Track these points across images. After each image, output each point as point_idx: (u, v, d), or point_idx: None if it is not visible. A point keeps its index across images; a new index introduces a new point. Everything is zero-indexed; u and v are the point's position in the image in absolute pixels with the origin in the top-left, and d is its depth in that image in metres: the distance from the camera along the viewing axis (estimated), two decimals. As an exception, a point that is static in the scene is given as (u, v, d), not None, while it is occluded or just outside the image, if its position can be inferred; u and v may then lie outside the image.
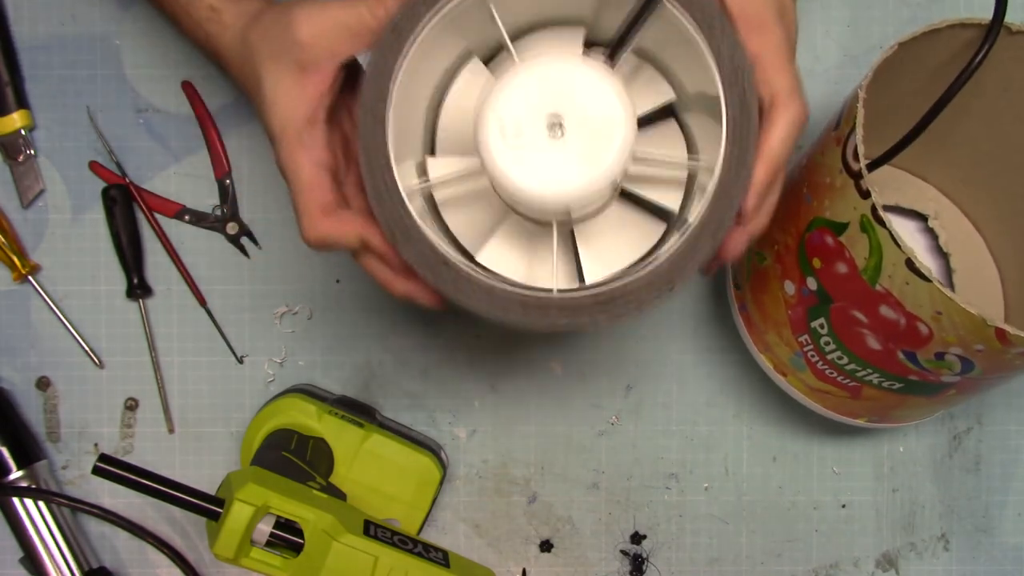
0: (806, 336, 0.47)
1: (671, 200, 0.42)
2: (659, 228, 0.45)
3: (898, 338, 0.42)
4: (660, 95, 0.43)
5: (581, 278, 0.43)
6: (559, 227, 0.41)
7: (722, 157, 0.38)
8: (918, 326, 0.40)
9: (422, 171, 0.43)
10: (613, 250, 0.43)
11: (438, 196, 0.43)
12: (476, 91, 0.43)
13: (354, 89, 0.42)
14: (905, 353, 0.43)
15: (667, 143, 0.43)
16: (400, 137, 0.40)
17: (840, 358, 0.46)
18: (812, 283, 0.45)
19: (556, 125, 0.37)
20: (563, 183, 0.37)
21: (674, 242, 0.38)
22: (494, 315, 0.38)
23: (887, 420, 0.51)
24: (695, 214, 0.38)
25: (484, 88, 0.38)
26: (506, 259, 0.43)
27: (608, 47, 0.40)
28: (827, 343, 0.46)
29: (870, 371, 0.46)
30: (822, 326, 0.46)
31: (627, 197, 0.42)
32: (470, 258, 0.42)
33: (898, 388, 0.46)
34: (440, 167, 0.42)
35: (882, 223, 0.39)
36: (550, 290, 0.38)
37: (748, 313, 0.53)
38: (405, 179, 0.39)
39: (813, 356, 0.48)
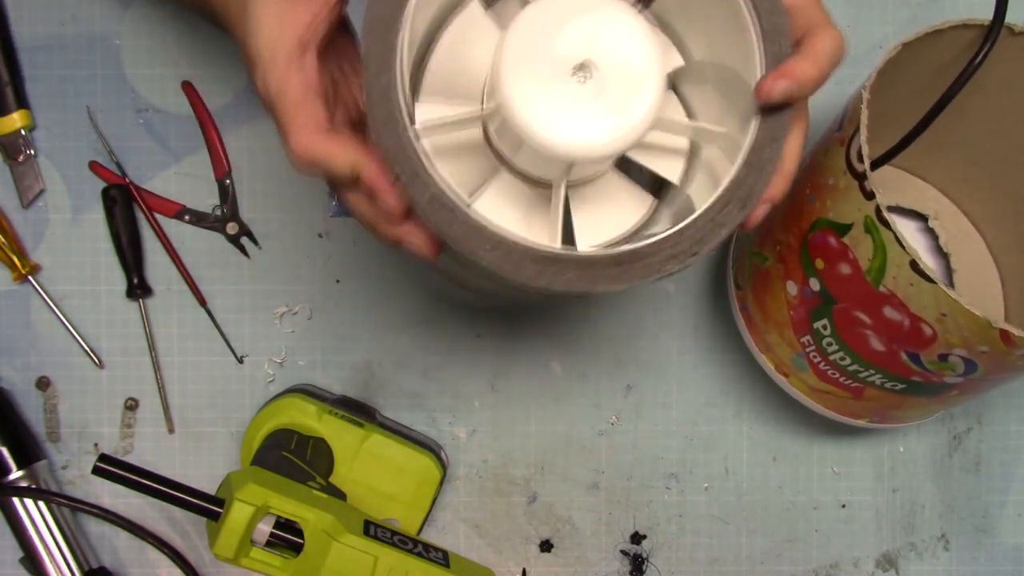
0: (808, 337, 0.47)
1: (672, 173, 0.40)
2: (648, 202, 0.42)
3: (902, 339, 0.42)
4: (669, 61, 0.40)
5: (571, 245, 0.40)
6: (554, 188, 0.38)
7: (756, 122, 0.35)
8: (922, 327, 0.40)
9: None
10: (605, 219, 0.40)
11: (424, 145, 0.39)
12: (474, 34, 0.38)
13: (346, 36, 0.40)
14: (908, 354, 0.43)
15: (669, 111, 0.40)
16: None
17: (843, 359, 0.46)
18: (815, 284, 0.45)
19: (584, 68, 0.33)
20: (592, 133, 0.33)
21: (702, 208, 0.35)
22: (504, 271, 0.35)
23: (888, 420, 0.52)
24: (726, 179, 0.35)
25: (506, 16, 0.34)
26: (497, 218, 0.39)
27: None
28: (829, 344, 0.46)
29: (872, 372, 0.46)
30: (825, 327, 0.46)
31: (620, 167, 0.40)
32: None
33: (900, 389, 0.46)
34: (429, 112, 0.37)
35: (887, 224, 0.39)
36: (571, 246, 0.35)
37: (749, 313, 0.53)
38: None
39: (815, 357, 0.48)
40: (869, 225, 0.40)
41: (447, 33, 0.39)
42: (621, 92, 0.33)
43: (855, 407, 0.50)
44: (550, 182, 0.38)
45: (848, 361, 0.46)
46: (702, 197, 0.38)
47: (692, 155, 0.41)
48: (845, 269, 0.43)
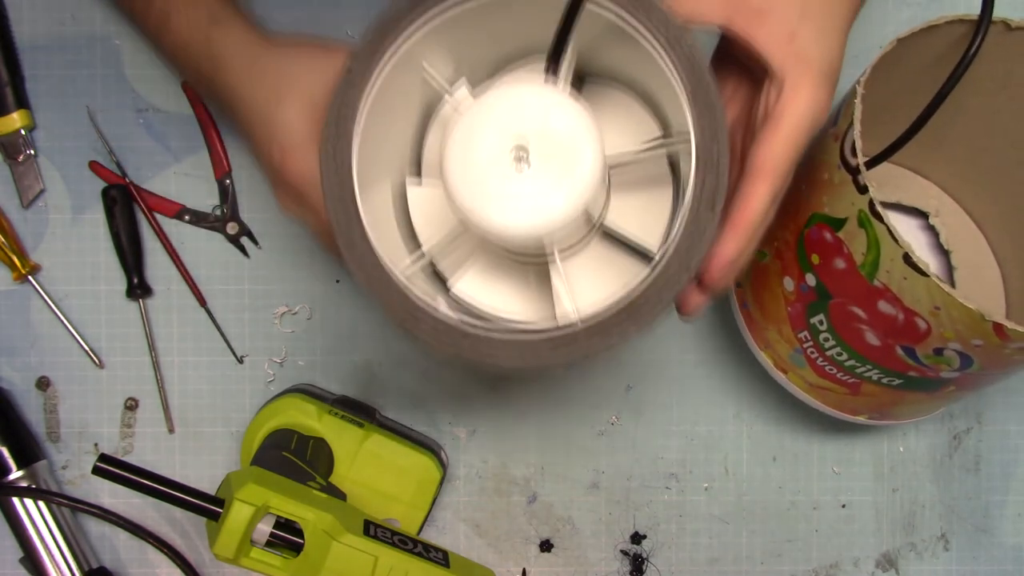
0: (805, 332, 0.48)
1: (651, 241, 0.41)
2: (637, 266, 0.42)
3: (897, 333, 0.42)
4: (645, 133, 0.42)
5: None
6: (538, 261, 0.40)
7: (692, 128, 0.36)
8: (916, 321, 0.41)
9: (400, 193, 0.42)
10: (591, 288, 0.41)
11: (415, 217, 0.42)
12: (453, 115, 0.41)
13: None
14: (904, 349, 0.43)
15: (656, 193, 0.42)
16: (373, 158, 0.38)
17: (839, 354, 0.46)
18: (811, 279, 0.45)
19: (521, 155, 0.36)
20: (532, 216, 0.35)
21: (642, 275, 0.36)
22: (523, 364, 0.37)
23: (888, 417, 0.52)
24: (668, 240, 0.36)
25: (448, 124, 0.37)
26: (481, 290, 0.41)
27: (553, 63, 0.39)
28: (826, 339, 0.46)
29: (869, 367, 0.46)
30: (821, 322, 0.46)
31: (610, 237, 0.41)
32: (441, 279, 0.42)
33: (897, 384, 0.46)
34: (420, 196, 0.42)
35: (880, 218, 0.39)
36: (573, 323, 0.36)
37: (748, 310, 0.53)
38: (397, 257, 0.38)
39: (812, 352, 0.48)
40: (863, 219, 0.40)
41: (437, 118, 0.42)
42: (558, 170, 0.35)
43: (854, 403, 0.50)
44: (532, 254, 0.40)
45: (845, 356, 0.46)
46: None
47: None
48: (840, 264, 0.43)
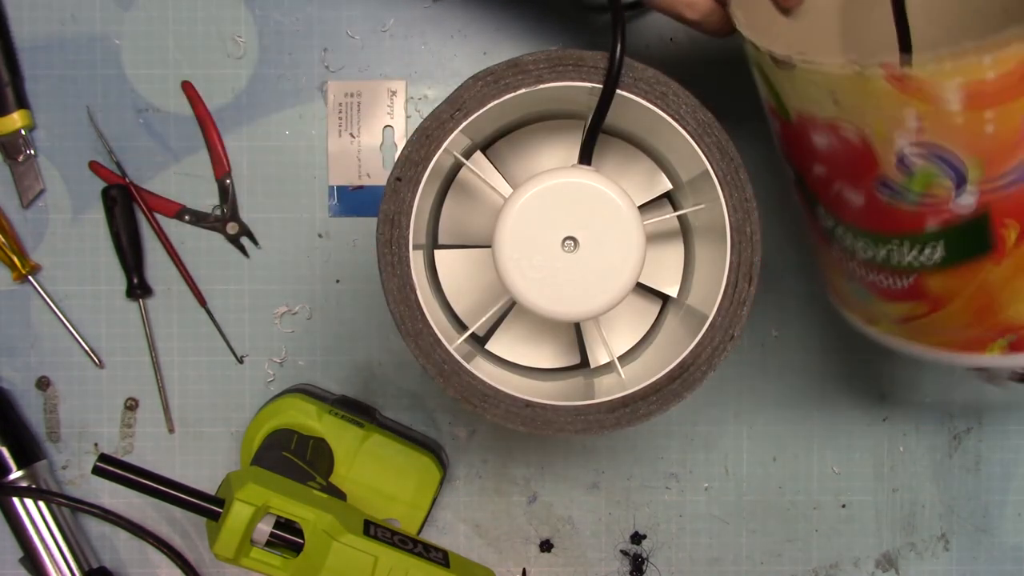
0: (833, 246, 0.42)
1: (670, 284, 0.46)
2: (654, 306, 0.47)
3: (850, 166, 0.38)
4: (657, 186, 0.46)
5: (583, 354, 0.46)
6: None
7: (725, 208, 0.39)
8: (845, 136, 0.36)
9: (429, 259, 0.45)
10: (616, 331, 0.47)
11: (442, 270, 0.46)
12: (476, 181, 0.45)
13: None
14: (879, 186, 0.37)
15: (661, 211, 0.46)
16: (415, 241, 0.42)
17: (861, 247, 0.40)
18: (792, 173, 0.43)
19: (570, 243, 0.39)
20: (582, 303, 0.39)
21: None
22: (588, 433, 0.41)
23: (995, 314, 0.39)
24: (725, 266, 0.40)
25: (498, 213, 0.40)
26: (514, 346, 0.46)
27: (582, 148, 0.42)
28: (841, 234, 0.41)
29: (892, 243, 0.38)
30: (824, 216, 0.41)
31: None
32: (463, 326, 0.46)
33: (939, 259, 0.38)
34: (447, 259, 0.45)
35: (756, 48, 0.38)
36: (631, 392, 0.40)
37: (827, 278, 0.47)
38: (448, 336, 0.41)
39: (852, 267, 0.42)
40: (760, 68, 0.39)
41: (453, 188, 0.47)
42: (605, 260, 0.39)
43: (953, 317, 0.39)
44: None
45: (862, 244, 0.40)
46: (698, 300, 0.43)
47: (689, 265, 0.46)
48: (776, 125, 0.41)
